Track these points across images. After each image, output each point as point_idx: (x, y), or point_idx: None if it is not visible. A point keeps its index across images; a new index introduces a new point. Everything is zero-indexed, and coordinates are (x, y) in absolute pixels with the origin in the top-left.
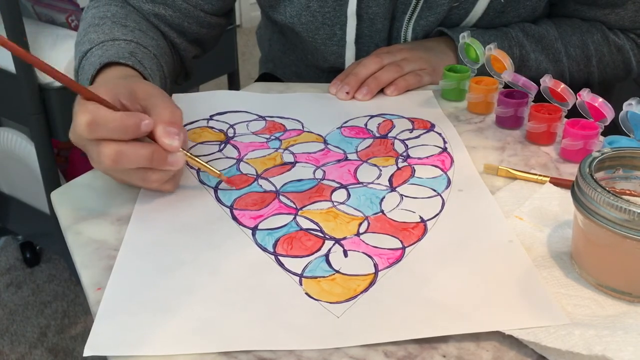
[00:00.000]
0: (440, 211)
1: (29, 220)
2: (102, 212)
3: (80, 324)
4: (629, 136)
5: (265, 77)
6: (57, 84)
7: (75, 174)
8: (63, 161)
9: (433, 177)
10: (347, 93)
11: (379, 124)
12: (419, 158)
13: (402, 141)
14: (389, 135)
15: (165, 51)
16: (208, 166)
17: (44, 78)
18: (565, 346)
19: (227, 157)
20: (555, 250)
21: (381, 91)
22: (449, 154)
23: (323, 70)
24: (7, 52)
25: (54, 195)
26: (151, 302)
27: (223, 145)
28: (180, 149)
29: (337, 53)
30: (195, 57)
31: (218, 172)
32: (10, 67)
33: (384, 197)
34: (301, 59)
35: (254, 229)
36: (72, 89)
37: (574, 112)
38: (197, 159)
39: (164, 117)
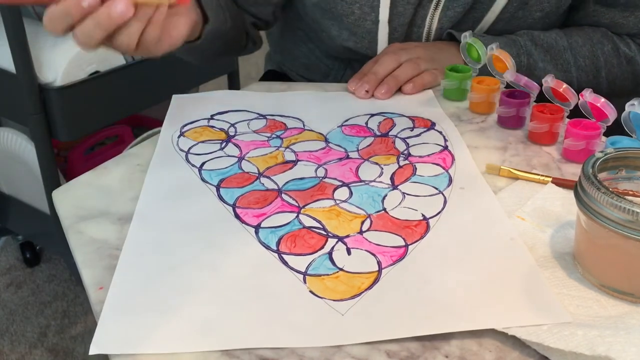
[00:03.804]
0: (442, 209)
1: (29, 220)
2: (103, 211)
3: (80, 324)
4: (632, 136)
5: (269, 75)
6: (57, 83)
7: (75, 174)
8: (63, 161)
9: (434, 175)
10: (367, 91)
11: (380, 123)
12: (420, 156)
13: (403, 139)
14: (390, 133)
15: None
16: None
17: (44, 78)
18: (568, 347)
19: (228, 156)
20: (557, 251)
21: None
22: (449, 152)
23: (335, 60)
24: (7, 52)
25: (55, 194)
26: (155, 301)
27: (224, 143)
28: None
29: (370, 30)
30: (257, 27)
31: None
32: (10, 67)
33: (386, 195)
34: (312, 50)
35: (257, 227)
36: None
37: (576, 113)
38: None
39: None
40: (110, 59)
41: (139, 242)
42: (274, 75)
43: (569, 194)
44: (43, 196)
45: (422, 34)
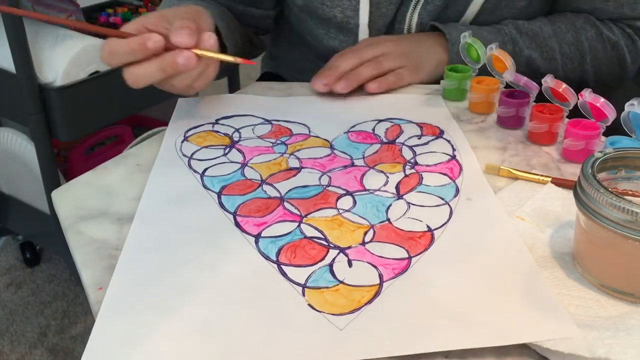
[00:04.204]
0: (448, 220)
1: (29, 220)
2: (103, 211)
3: (80, 324)
4: (631, 136)
5: (266, 76)
6: (57, 83)
7: (75, 174)
8: (63, 161)
9: (441, 185)
10: (325, 85)
11: (387, 129)
12: (427, 165)
13: (410, 147)
14: (397, 141)
15: (228, 13)
16: (221, 55)
17: (44, 78)
18: (567, 349)
19: (231, 162)
20: (557, 251)
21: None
22: (457, 161)
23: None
24: (7, 52)
25: (55, 194)
26: (150, 314)
27: (228, 149)
28: (194, 51)
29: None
30: (257, 34)
31: (232, 58)
32: (10, 67)
33: (390, 205)
34: (305, 54)
35: (257, 237)
36: (100, 32)
37: (575, 113)
38: (207, 52)
39: (174, 27)
40: None
41: (137, 248)
42: (270, 76)
43: (569, 194)
44: (43, 196)
45: (402, 29)
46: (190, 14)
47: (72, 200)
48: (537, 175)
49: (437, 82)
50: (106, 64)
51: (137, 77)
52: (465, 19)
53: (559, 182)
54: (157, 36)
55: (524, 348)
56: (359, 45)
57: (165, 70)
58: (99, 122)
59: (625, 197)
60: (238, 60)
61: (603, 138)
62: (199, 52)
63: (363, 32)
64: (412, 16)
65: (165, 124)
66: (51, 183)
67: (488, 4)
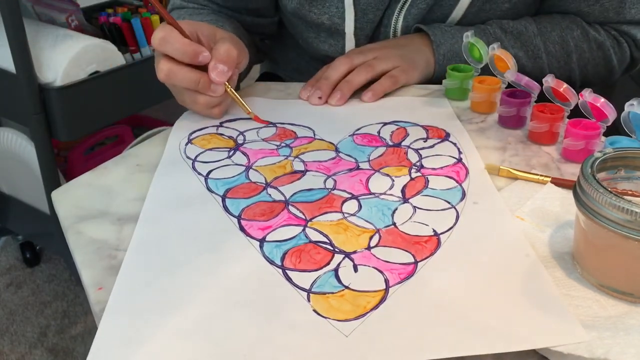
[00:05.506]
0: (455, 224)
1: (29, 220)
2: (102, 211)
3: (80, 324)
4: (631, 137)
5: (265, 76)
6: (57, 83)
7: (75, 174)
8: (63, 161)
9: (447, 189)
10: (320, 98)
11: (392, 132)
12: (433, 168)
13: (416, 150)
14: (403, 143)
15: (238, 26)
16: (240, 102)
17: (44, 78)
18: (567, 349)
19: (236, 164)
20: (556, 251)
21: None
22: (464, 164)
23: (322, 64)
24: (7, 52)
25: (55, 194)
26: (154, 316)
27: (232, 151)
28: (225, 83)
29: (328, 43)
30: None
31: (249, 112)
32: (10, 67)
33: (396, 209)
34: (301, 55)
35: (262, 241)
36: (162, 16)
37: (576, 113)
38: (236, 94)
39: (218, 54)
40: (110, 59)
41: (141, 250)
42: (268, 77)
43: (568, 194)
44: (43, 196)
45: (388, 32)
46: (234, 42)
47: (72, 200)
48: (537, 175)
49: (436, 82)
50: (154, 46)
51: (173, 74)
52: (451, 21)
53: (559, 182)
54: (208, 53)
55: None
56: (348, 54)
57: (197, 84)
58: (99, 122)
59: (625, 197)
60: (252, 115)
61: (603, 138)
62: (228, 88)
63: (350, 37)
64: (397, 19)
65: (165, 123)
66: (51, 183)
67: (472, 7)
